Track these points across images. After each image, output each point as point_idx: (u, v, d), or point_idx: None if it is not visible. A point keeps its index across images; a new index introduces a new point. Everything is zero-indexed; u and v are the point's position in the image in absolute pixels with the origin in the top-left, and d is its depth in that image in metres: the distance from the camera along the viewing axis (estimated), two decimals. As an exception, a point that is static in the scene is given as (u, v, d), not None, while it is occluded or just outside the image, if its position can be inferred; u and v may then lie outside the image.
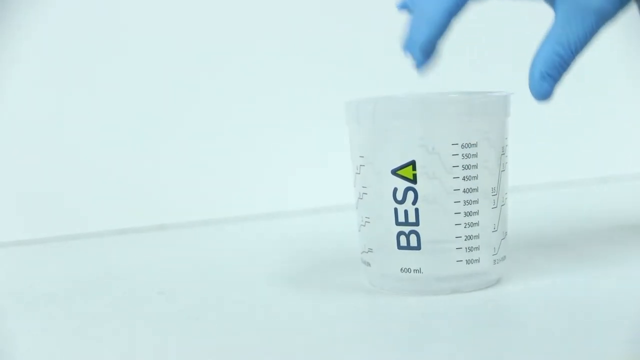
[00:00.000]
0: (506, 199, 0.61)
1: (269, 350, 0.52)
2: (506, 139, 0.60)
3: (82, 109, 0.87)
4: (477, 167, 0.58)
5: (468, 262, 0.59)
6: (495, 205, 0.59)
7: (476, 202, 0.58)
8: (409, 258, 0.59)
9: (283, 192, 0.92)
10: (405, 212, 0.58)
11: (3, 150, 0.85)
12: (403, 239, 0.59)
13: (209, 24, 0.92)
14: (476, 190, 0.58)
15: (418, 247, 0.58)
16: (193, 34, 0.91)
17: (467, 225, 0.58)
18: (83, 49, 0.87)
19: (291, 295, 0.62)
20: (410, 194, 0.58)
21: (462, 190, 0.58)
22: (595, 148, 1.00)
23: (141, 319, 0.59)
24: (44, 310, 0.62)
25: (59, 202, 0.86)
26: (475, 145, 0.58)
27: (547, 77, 0.59)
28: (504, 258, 0.61)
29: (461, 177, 0.58)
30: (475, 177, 0.58)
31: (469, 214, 0.58)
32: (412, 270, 0.59)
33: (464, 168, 0.58)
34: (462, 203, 0.58)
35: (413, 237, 0.58)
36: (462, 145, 0.58)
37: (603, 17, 0.60)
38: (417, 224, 0.58)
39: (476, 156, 0.58)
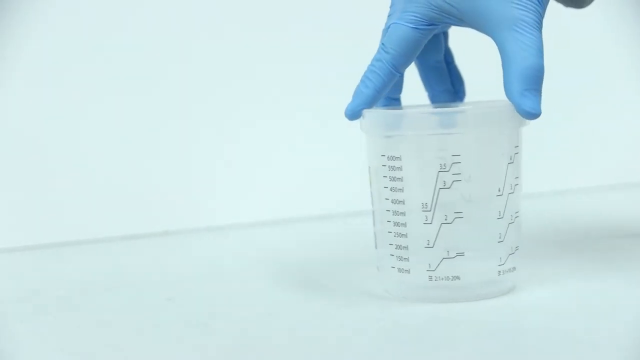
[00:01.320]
0: (459, 218, 0.58)
1: (277, 357, 0.53)
2: (456, 156, 0.58)
3: (86, 115, 0.86)
4: (402, 180, 0.59)
5: (399, 270, 0.60)
6: (428, 221, 0.58)
7: (403, 214, 0.59)
8: (376, 255, 0.63)
9: (290, 198, 0.87)
10: (373, 212, 0.62)
11: (5, 155, 0.85)
12: (374, 237, 0.63)
13: (215, 29, 0.87)
14: (402, 202, 0.59)
15: (375, 247, 0.62)
16: (198, 38, 0.87)
17: (397, 235, 0.59)
18: (86, 51, 0.86)
19: (300, 301, 0.63)
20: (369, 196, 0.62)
21: (390, 200, 0.59)
22: (603, 155, 0.98)
23: (151, 325, 0.59)
24: (51, 316, 0.62)
25: (63, 208, 0.86)
26: (400, 158, 0.59)
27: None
28: (453, 278, 0.59)
29: (389, 188, 0.59)
30: (401, 190, 0.59)
31: (397, 224, 0.59)
32: (376, 267, 0.63)
33: (391, 179, 0.59)
34: (391, 213, 0.60)
35: (374, 237, 0.63)
36: (387, 158, 0.59)
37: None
38: (374, 224, 0.62)
39: (401, 169, 0.59)
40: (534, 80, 0.57)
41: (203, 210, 0.88)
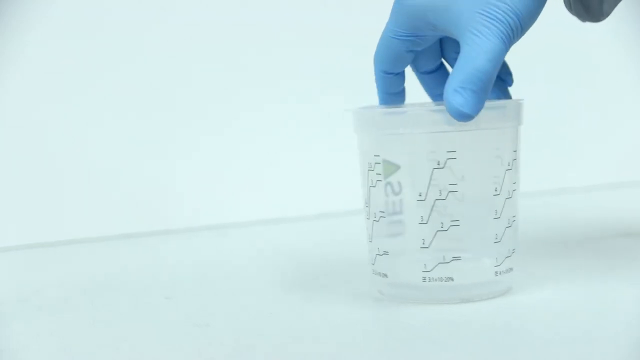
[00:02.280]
0: (383, 217, 0.59)
1: (277, 357, 0.53)
2: (376, 156, 0.58)
3: (87, 113, 0.86)
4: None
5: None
6: (368, 217, 0.60)
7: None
8: None
9: (290, 197, 0.87)
10: None
11: (5, 154, 0.84)
12: None
13: (217, 27, 0.87)
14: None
15: None
16: (200, 36, 0.87)
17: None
18: (86, 50, 0.86)
19: (298, 301, 0.63)
20: None
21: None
22: (602, 155, 0.99)
23: (151, 325, 0.59)
24: (51, 316, 0.62)
25: (63, 207, 0.86)
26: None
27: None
28: (383, 275, 0.60)
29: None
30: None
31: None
32: None
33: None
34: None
35: None
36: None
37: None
38: None
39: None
40: (473, 81, 0.55)
41: (203, 209, 0.88)
